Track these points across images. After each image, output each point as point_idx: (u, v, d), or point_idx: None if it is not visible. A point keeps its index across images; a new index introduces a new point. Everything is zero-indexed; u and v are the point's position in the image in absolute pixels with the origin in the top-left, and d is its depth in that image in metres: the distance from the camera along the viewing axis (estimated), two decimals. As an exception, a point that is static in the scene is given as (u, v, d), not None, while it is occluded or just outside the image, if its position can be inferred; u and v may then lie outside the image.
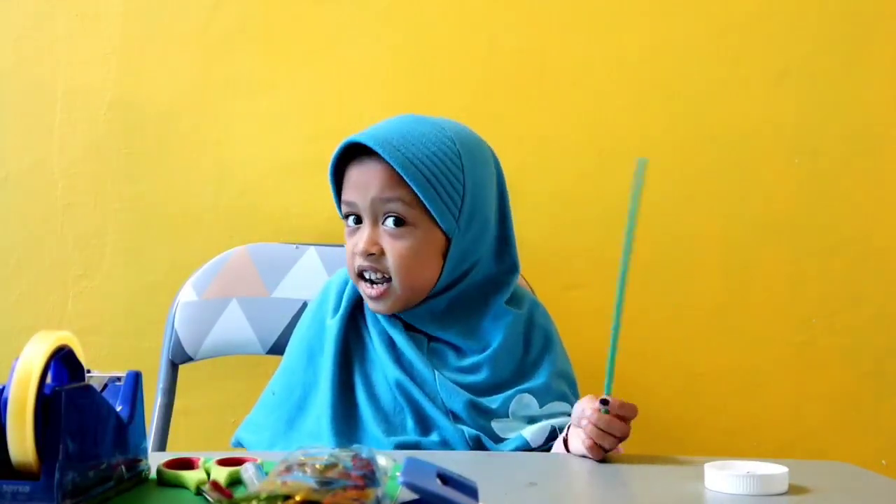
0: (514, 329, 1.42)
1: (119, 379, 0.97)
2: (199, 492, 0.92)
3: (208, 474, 0.96)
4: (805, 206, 1.91)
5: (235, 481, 0.95)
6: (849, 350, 1.90)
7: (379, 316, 1.41)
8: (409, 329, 1.41)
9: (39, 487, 0.80)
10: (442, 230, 1.37)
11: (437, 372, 1.36)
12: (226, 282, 1.67)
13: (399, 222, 1.36)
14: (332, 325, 1.42)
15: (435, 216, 1.36)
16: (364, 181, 1.37)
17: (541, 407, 1.39)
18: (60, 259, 1.86)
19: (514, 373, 1.41)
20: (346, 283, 1.46)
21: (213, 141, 1.88)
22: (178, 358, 1.64)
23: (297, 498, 0.76)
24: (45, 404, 0.81)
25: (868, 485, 1.11)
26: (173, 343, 1.64)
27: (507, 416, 1.37)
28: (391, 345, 1.40)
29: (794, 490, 1.00)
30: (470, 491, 0.85)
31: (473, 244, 1.41)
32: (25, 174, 1.87)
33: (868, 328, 1.90)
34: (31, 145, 1.87)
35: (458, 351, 1.41)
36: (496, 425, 1.35)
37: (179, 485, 0.95)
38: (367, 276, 1.38)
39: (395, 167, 1.33)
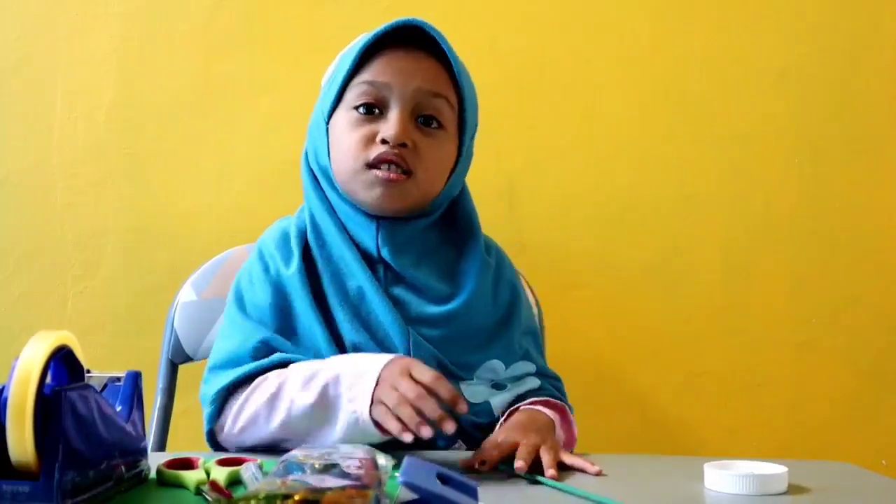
0: (484, 278, 1.35)
1: (118, 379, 0.97)
2: (198, 492, 0.92)
3: (208, 474, 0.96)
4: (805, 206, 1.91)
5: (235, 481, 0.95)
6: (849, 350, 1.90)
7: (342, 258, 1.30)
8: (366, 261, 1.30)
9: (39, 487, 0.80)
10: (459, 146, 1.34)
11: (410, 330, 1.27)
12: (225, 282, 1.67)
13: (434, 122, 1.29)
14: (294, 274, 1.29)
15: (464, 129, 1.33)
16: (409, 68, 1.28)
17: (506, 368, 1.34)
18: (60, 259, 1.86)
19: (481, 329, 1.33)
20: (287, 236, 1.35)
21: (213, 141, 1.88)
22: (178, 358, 1.64)
23: (297, 497, 0.76)
24: (45, 404, 0.82)
25: (868, 485, 1.11)
26: (173, 343, 1.64)
27: (472, 379, 1.31)
28: (345, 297, 1.29)
29: (793, 490, 1.00)
30: (470, 491, 0.85)
31: (465, 167, 1.38)
32: (25, 174, 1.87)
33: (868, 328, 1.90)
34: (31, 145, 1.87)
35: (421, 293, 1.31)
36: (464, 388, 1.29)
37: (179, 485, 0.95)
38: (386, 165, 1.27)
39: (453, 67, 1.29)
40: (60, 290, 1.86)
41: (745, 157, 1.91)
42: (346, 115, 1.30)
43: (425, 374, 1.08)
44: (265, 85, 1.87)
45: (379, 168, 1.26)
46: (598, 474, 1.08)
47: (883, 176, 1.91)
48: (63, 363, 0.89)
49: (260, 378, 1.22)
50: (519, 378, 1.36)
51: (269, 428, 1.18)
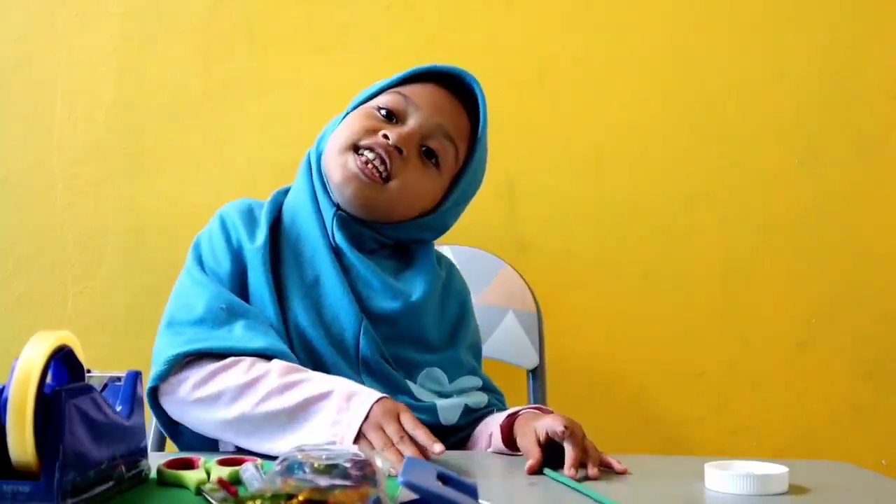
0: (434, 287, 1.37)
1: (119, 378, 0.97)
2: (199, 492, 0.92)
3: (208, 474, 0.96)
4: (805, 206, 1.91)
5: (235, 481, 0.95)
6: (849, 350, 1.90)
7: (308, 242, 1.32)
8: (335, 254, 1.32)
9: (39, 487, 0.80)
10: (444, 193, 1.37)
11: (364, 317, 1.29)
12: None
13: (435, 161, 1.33)
14: (257, 249, 1.30)
15: (460, 183, 1.37)
16: (442, 105, 1.35)
17: (450, 382, 1.35)
18: (60, 259, 1.86)
19: (427, 335, 1.35)
20: (253, 211, 1.37)
21: (213, 141, 1.88)
22: (178, 358, 1.64)
23: (300, 497, 0.76)
24: (45, 404, 0.81)
25: (868, 485, 1.11)
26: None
27: (415, 383, 1.32)
28: (301, 279, 1.30)
29: (794, 490, 1.00)
30: (470, 491, 0.85)
31: (441, 222, 1.41)
32: (25, 174, 1.87)
33: (868, 328, 1.90)
34: (31, 145, 1.87)
35: (370, 288, 1.32)
36: (411, 386, 1.30)
37: (180, 485, 0.95)
38: (369, 156, 1.29)
39: (480, 122, 1.36)
40: (60, 290, 1.86)
41: (745, 157, 1.91)
42: (366, 109, 1.35)
43: (409, 422, 1.11)
44: (265, 85, 1.88)
45: (361, 154, 1.29)
46: (624, 472, 1.09)
47: (883, 176, 1.91)
48: (63, 363, 0.88)
49: (234, 359, 1.21)
50: (465, 391, 1.36)
51: (226, 414, 1.17)
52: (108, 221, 1.87)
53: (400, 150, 1.29)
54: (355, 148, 1.30)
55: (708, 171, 1.90)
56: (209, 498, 0.90)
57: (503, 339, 1.70)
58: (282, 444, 1.12)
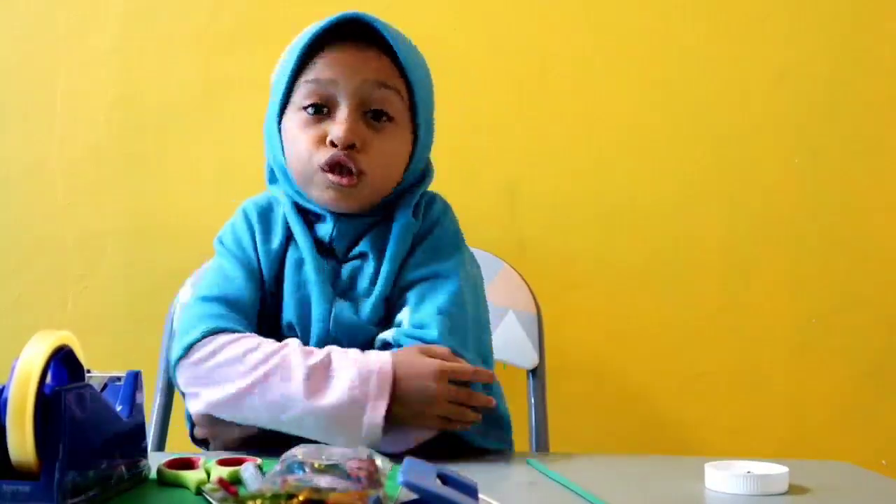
0: (403, 244, 1.31)
1: (119, 379, 0.97)
2: (199, 492, 0.92)
3: (208, 474, 0.96)
4: (805, 206, 1.91)
5: (235, 481, 0.95)
6: (849, 350, 1.90)
7: (302, 248, 1.30)
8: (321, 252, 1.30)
9: (39, 487, 0.80)
10: (415, 132, 1.32)
11: (332, 321, 1.26)
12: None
13: (383, 116, 1.27)
14: (269, 251, 1.31)
15: (419, 116, 1.30)
16: (353, 62, 1.26)
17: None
18: (60, 259, 1.86)
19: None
20: (271, 208, 1.35)
21: (213, 141, 1.88)
22: (178, 358, 1.64)
23: (300, 497, 0.76)
24: (45, 404, 0.81)
25: (868, 485, 1.11)
26: (172, 343, 1.64)
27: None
28: (295, 284, 1.30)
29: (794, 490, 1.00)
30: (470, 491, 0.85)
31: (424, 155, 1.36)
32: (25, 174, 1.87)
33: (868, 328, 1.90)
34: (31, 145, 1.87)
35: (361, 271, 1.31)
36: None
37: (180, 485, 0.95)
38: (338, 169, 1.26)
39: (399, 56, 1.26)
40: (60, 290, 1.87)
41: (745, 157, 1.91)
42: (295, 116, 1.29)
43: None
44: (265, 85, 1.87)
45: (331, 171, 1.26)
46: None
47: (883, 176, 1.91)
48: (63, 363, 0.88)
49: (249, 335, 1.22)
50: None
51: (244, 380, 1.17)
52: (108, 221, 1.87)
53: (352, 146, 1.25)
54: (319, 169, 1.26)
55: (708, 171, 1.90)
56: (209, 498, 0.90)
57: (503, 339, 1.69)
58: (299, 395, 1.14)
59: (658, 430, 1.90)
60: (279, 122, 1.33)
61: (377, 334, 1.27)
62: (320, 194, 1.28)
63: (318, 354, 1.17)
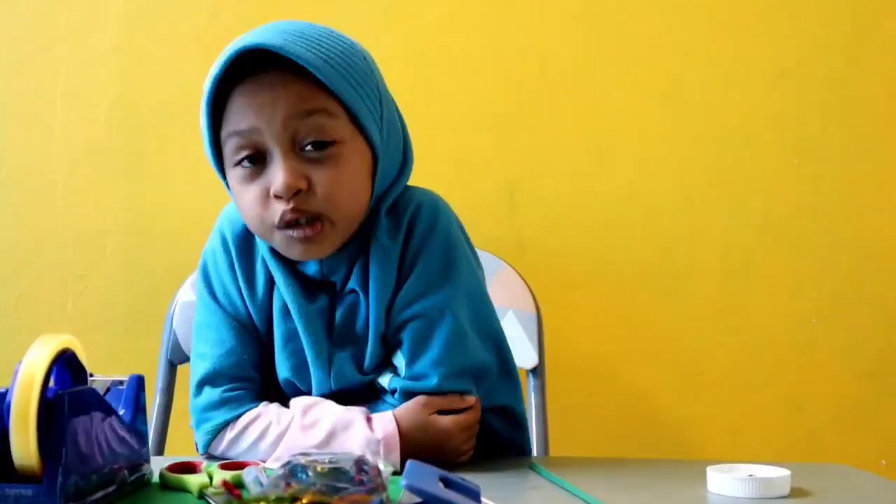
0: (388, 268, 1.21)
1: (121, 382, 0.98)
2: (201, 495, 0.92)
3: (211, 478, 0.96)
4: (805, 206, 1.91)
5: (238, 485, 0.95)
6: (849, 350, 1.90)
7: (287, 292, 1.22)
8: (308, 287, 1.23)
9: (42, 491, 0.80)
10: (368, 142, 1.18)
11: (334, 354, 1.22)
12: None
13: (324, 144, 1.13)
14: (257, 305, 1.25)
15: (363, 124, 1.16)
16: (266, 101, 1.12)
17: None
18: (60, 259, 1.86)
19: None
20: (254, 246, 1.26)
21: (214, 141, 1.87)
22: (177, 358, 1.64)
23: (304, 501, 0.76)
24: (48, 408, 0.82)
25: (869, 487, 1.11)
26: (172, 343, 1.64)
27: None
28: (285, 336, 1.24)
29: (796, 493, 1.00)
30: (472, 494, 0.85)
31: (394, 154, 1.24)
32: (25, 174, 1.87)
33: (868, 328, 1.90)
34: (31, 145, 1.87)
35: (356, 308, 1.23)
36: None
37: (182, 489, 0.95)
38: (294, 224, 1.14)
39: (313, 71, 1.10)
40: (60, 290, 1.86)
41: (745, 157, 1.90)
42: (234, 173, 1.18)
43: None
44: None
45: (288, 228, 1.15)
46: None
47: (883, 176, 1.91)
48: (66, 367, 0.89)
49: (258, 411, 1.22)
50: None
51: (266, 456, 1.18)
52: (108, 221, 1.87)
53: (298, 192, 1.13)
54: (277, 227, 1.16)
55: (708, 171, 1.90)
56: (212, 501, 0.90)
57: (503, 340, 1.70)
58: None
59: (658, 430, 1.90)
60: (224, 180, 1.23)
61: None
62: (287, 250, 1.19)
63: (320, 431, 1.15)
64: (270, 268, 1.24)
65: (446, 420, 1.16)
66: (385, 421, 1.15)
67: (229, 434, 1.21)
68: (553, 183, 1.89)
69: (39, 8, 1.87)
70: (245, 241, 1.26)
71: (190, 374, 1.31)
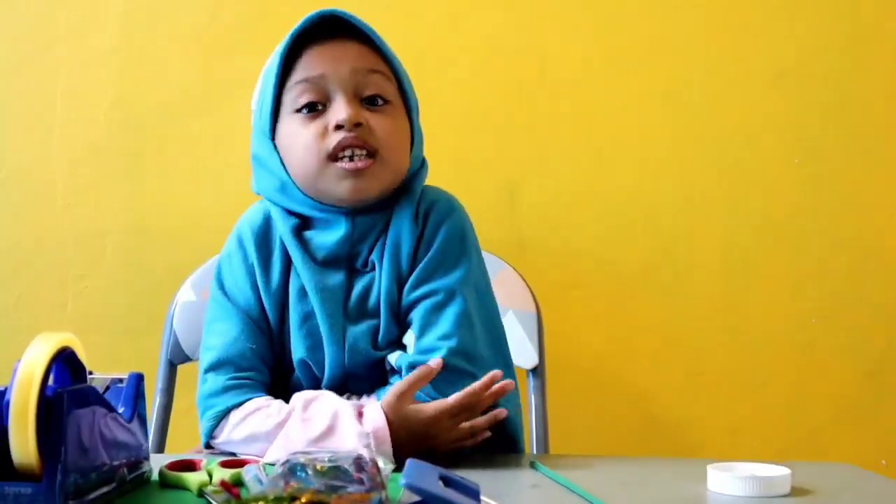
0: (407, 246, 1.29)
1: (121, 380, 0.98)
2: (201, 493, 0.92)
3: (210, 476, 0.96)
4: (805, 206, 1.91)
5: (237, 483, 0.95)
6: (849, 350, 1.90)
7: (303, 274, 1.27)
8: (327, 265, 1.28)
9: (41, 489, 0.80)
10: (409, 117, 1.32)
11: (347, 335, 1.26)
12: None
13: (380, 99, 1.27)
14: (272, 293, 1.30)
15: (407, 100, 1.31)
16: (338, 54, 1.26)
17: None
18: (60, 259, 1.86)
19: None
20: (267, 227, 1.32)
21: (213, 141, 1.87)
22: (177, 358, 1.64)
23: (303, 499, 0.76)
24: (48, 406, 0.81)
25: (870, 486, 1.11)
26: (172, 343, 1.64)
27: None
28: (301, 318, 1.28)
29: (796, 492, 1.00)
30: (472, 493, 0.85)
31: (420, 144, 1.35)
32: (25, 174, 1.87)
33: (868, 328, 1.90)
34: (31, 145, 1.87)
35: (369, 285, 1.29)
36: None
37: (181, 487, 0.95)
38: (349, 153, 1.24)
39: (375, 38, 1.27)
40: (60, 290, 1.86)
41: (745, 157, 1.91)
42: (290, 121, 1.27)
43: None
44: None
45: (342, 160, 1.24)
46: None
47: (883, 176, 1.91)
48: (65, 365, 0.89)
49: (258, 403, 1.23)
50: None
51: (263, 451, 1.18)
52: (108, 221, 1.87)
53: (358, 124, 1.23)
54: (330, 158, 1.25)
55: (708, 171, 1.90)
56: (211, 500, 0.90)
57: (503, 339, 1.70)
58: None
59: (658, 430, 1.90)
60: (273, 140, 1.30)
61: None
62: (335, 187, 1.26)
63: (319, 425, 1.15)
64: (289, 248, 1.29)
65: (429, 407, 1.15)
66: (375, 414, 1.15)
67: (232, 419, 1.22)
68: (553, 183, 1.89)
69: (39, 8, 1.87)
70: (263, 233, 1.32)
71: (198, 368, 1.33)
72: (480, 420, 1.16)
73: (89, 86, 1.87)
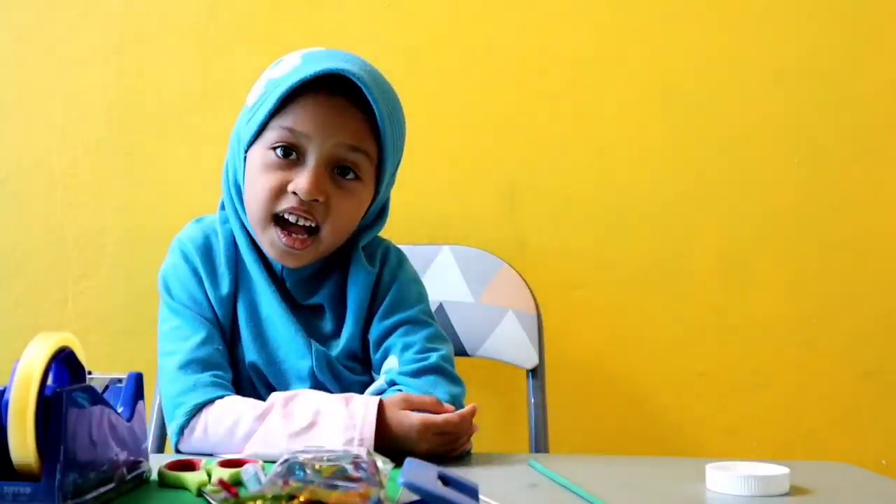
0: (366, 292, 1.34)
1: (120, 380, 0.98)
2: (200, 493, 0.92)
3: (209, 476, 0.96)
4: (805, 206, 1.90)
5: (236, 483, 0.95)
6: (849, 350, 1.90)
7: (255, 278, 1.32)
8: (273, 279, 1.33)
9: (40, 489, 0.80)
10: (376, 187, 1.33)
11: (313, 344, 1.30)
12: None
13: (354, 174, 1.27)
14: (224, 299, 1.33)
15: (383, 175, 1.31)
16: (330, 120, 1.25)
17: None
18: (60, 259, 1.86)
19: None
20: (212, 248, 1.36)
21: (213, 141, 1.87)
22: (178, 358, 1.64)
23: (301, 498, 0.76)
24: (47, 406, 0.82)
25: (869, 486, 1.11)
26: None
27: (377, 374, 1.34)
28: (253, 318, 1.32)
29: (795, 491, 1.00)
30: (470, 492, 0.85)
31: (382, 201, 1.38)
32: (25, 174, 1.87)
33: (868, 328, 1.90)
34: (31, 145, 1.87)
35: (318, 318, 1.35)
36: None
37: (180, 486, 0.95)
38: (292, 220, 1.26)
39: (378, 120, 1.25)
40: (60, 290, 1.86)
41: (745, 157, 1.90)
42: (262, 153, 1.28)
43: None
44: (265, 85, 1.87)
45: (284, 226, 1.26)
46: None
47: (883, 176, 1.91)
48: (64, 364, 0.89)
49: (233, 400, 1.25)
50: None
51: (241, 446, 1.19)
52: (108, 221, 1.87)
53: (315, 201, 1.25)
54: (275, 219, 1.27)
55: (708, 171, 1.90)
56: (210, 499, 0.90)
57: (503, 339, 1.70)
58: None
59: (658, 430, 1.90)
60: (245, 151, 1.32)
61: (352, 374, 1.32)
62: (268, 247, 1.30)
63: (301, 419, 1.17)
64: (246, 260, 1.32)
65: (416, 416, 1.17)
66: (365, 407, 1.17)
67: (203, 419, 1.22)
68: (553, 183, 1.89)
69: (39, 8, 1.87)
70: (206, 250, 1.36)
71: (157, 383, 1.35)
72: (465, 447, 1.21)
73: (89, 86, 1.87)
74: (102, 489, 0.88)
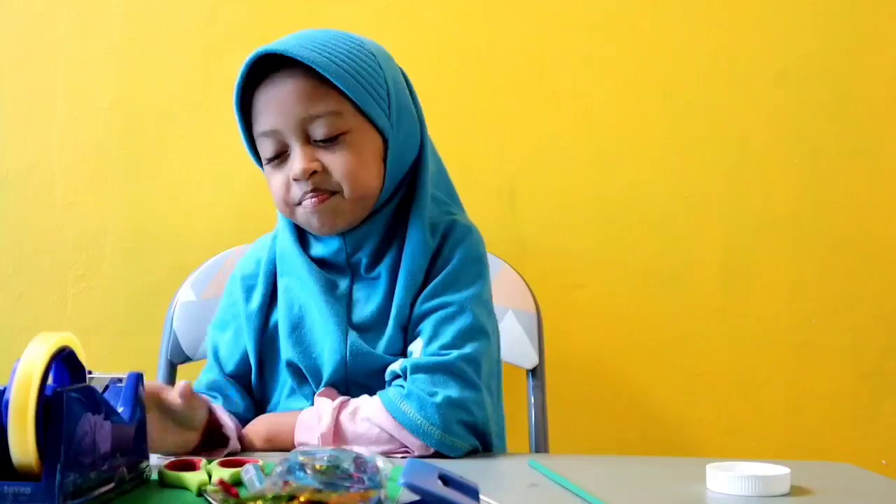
0: (420, 262, 1.32)
1: (120, 380, 0.97)
2: (200, 493, 0.92)
3: (210, 476, 0.96)
4: (805, 205, 1.91)
5: (236, 482, 0.95)
6: (849, 350, 1.90)
7: (299, 278, 1.33)
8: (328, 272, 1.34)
9: (41, 489, 0.80)
10: (377, 129, 1.30)
11: (350, 335, 1.29)
12: (224, 282, 1.67)
13: (333, 137, 1.27)
14: (251, 312, 1.37)
15: (369, 115, 1.28)
16: (282, 101, 1.27)
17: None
18: (60, 259, 1.87)
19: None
20: (258, 267, 1.41)
21: (213, 141, 1.87)
22: (177, 358, 1.64)
23: (302, 498, 0.76)
24: (47, 406, 0.81)
25: (870, 486, 1.11)
26: (172, 343, 1.64)
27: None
28: (291, 320, 1.33)
29: (796, 491, 1.00)
30: (471, 492, 0.85)
31: (407, 141, 1.35)
32: (25, 174, 1.87)
33: (868, 328, 1.90)
34: (31, 145, 1.87)
35: (375, 289, 1.33)
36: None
37: (181, 486, 0.95)
38: (309, 197, 1.29)
39: (320, 71, 1.23)
40: (60, 290, 1.87)
41: (745, 157, 1.91)
42: (265, 168, 1.34)
43: None
44: (265, 85, 1.87)
45: (303, 203, 1.30)
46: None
47: (883, 176, 1.91)
48: (65, 364, 0.88)
49: None
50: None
51: None
52: (108, 221, 1.87)
53: (314, 173, 1.27)
54: (296, 205, 1.31)
55: (708, 171, 1.90)
56: (210, 499, 0.90)
57: (503, 339, 1.69)
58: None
59: (658, 430, 1.90)
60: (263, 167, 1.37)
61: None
62: (308, 225, 1.32)
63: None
64: (291, 255, 1.35)
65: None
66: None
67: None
68: (553, 183, 1.89)
69: (39, 8, 1.87)
70: (252, 274, 1.41)
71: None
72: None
73: (89, 86, 1.87)
74: (102, 489, 0.88)
